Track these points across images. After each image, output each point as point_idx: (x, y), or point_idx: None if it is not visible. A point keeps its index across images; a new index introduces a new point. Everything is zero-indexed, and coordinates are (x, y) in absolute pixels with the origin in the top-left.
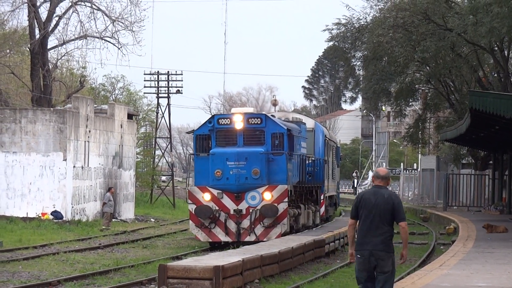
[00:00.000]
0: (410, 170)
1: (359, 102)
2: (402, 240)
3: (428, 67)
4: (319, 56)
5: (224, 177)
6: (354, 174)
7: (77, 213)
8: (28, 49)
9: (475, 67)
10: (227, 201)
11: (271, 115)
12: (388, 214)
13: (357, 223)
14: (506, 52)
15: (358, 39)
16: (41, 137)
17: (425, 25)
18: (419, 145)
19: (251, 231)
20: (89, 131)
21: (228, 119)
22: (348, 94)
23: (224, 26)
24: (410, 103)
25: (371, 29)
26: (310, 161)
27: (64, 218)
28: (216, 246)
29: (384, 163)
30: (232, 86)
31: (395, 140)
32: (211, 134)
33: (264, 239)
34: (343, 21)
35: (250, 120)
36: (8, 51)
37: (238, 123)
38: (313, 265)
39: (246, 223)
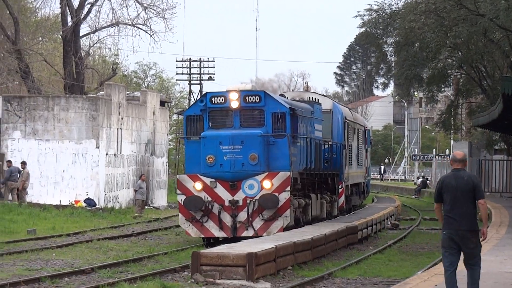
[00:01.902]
0: (442, 156)
1: (391, 88)
2: (482, 217)
3: (460, 53)
4: (351, 42)
5: (218, 163)
6: (386, 160)
7: (110, 201)
8: (61, 37)
9: (508, 52)
10: (221, 191)
11: (282, 94)
12: (469, 194)
13: (442, 206)
14: None
15: (389, 25)
16: (73, 124)
17: (457, 11)
18: (451, 131)
19: (249, 225)
20: (122, 119)
21: (223, 97)
22: (380, 80)
23: (255, 12)
24: (442, 89)
25: (403, 15)
26: (327, 146)
27: (97, 206)
28: (212, 242)
29: (416, 149)
30: (264, 72)
31: (427, 126)
32: (203, 115)
33: (264, 234)
34: (375, 7)
35: (247, 98)
36: (40, 38)
37: (234, 101)
38: (346, 252)
39: (243, 216)
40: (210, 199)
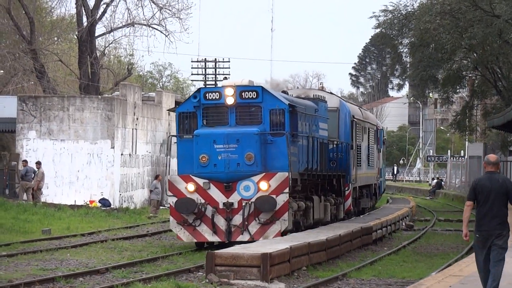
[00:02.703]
0: (457, 158)
1: (406, 89)
2: None
3: (475, 54)
4: (366, 43)
5: (211, 163)
6: (401, 161)
7: (124, 201)
8: (76, 37)
9: None
10: (215, 193)
11: (285, 90)
12: (503, 197)
13: (471, 205)
14: None
15: (405, 26)
16: (89, 124)
17: (472, 12)
18: (466, 132)
19: (244, 229)
20: (137, 119)
21: (217, 93)
22: (395, 81)
23: (271, 13)
24: (457, 90)
25: (418, 16)
26: (333, 145)
27: (112, 206)
28: (206, 247)
29: (431, 150)
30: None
31: (442, 127)
32: (197, 112)
33: (260, 239)
34: (390, 8)
35: (243, 93)
36: (56, 38)
37: (229, 97)
38: (360, 252)
39: (238, 219)
40: (203, 201)
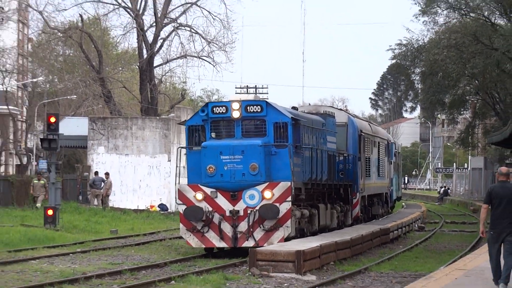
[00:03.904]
0: (461, 169)
1: (417, 111)
2: None
3: (476, 81)
4: (383, 72)
5: (218, 173)
6: (414, 172)
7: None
8: (137, 67)
9: None
10: (222, 201)
11: (295, 107)
12: None
13: (488, 208)
14: None
15: (416, 57)
16: (149, 141)
17: (474, 45)
18: (469, 148)
19: (250, 235)
20: None
21: (224, 107)
22: (408, 104)
23: (302, 46)
24: (462, 112)
25: (428, 49)
26: (342, 157)
27: (169, 210)
28: (215, 252)
29: (439, 163)
30: (310, 98)
31: (448, 144)
32: (205, 125)
33: (265, 244)
34: (404, 42)
35: (248, 107)
36: (120, 68)
37: (235, 111)
38: (379, 250)
39: (243, 226)
40: (210, 209)
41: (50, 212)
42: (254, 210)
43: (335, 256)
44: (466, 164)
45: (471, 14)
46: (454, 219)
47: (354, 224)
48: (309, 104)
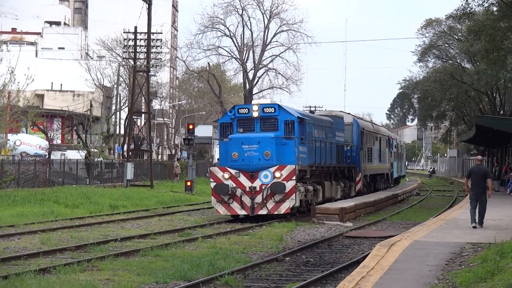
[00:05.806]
0: (443, 157)
1: (415, 121)
2: (489, 186)
3: (452, 103)
4: (394, 97)
5: (240, 158)
6: (413, 159)
7: None
8: (243, 95)
9: (478, 102)
10: (243, 180)
11: (312, 111)
12: (483, 176)
13: (469, 180)
14: (494, 94)
15: (415, 88)
16: None
17: (451, 80)
18: (448, 144)
19: (264, 205)
20: None
21: (247, 109)
22: (410, 116)
23: (344, 74)
24: (443, 122)
25: (422, 82)
26: (349, 147)
27: None
28: (240, 218)
29: (429, 153)
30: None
31: (435, 141)
32: (233, 122)
33: (275, 213)
34: (407, 78)
35: (265, 109)
36: (232, 95)
37: (255, 112)
38: (392, 207)
39: (259, 198)
40: (234, 185)
41: (189, 183)
42: (267, 187)
43: (364, 211)
44: (446, 154)
45: (449, 61)
46: (439, 188)
47: (357, 195)
48: (325, 110)
